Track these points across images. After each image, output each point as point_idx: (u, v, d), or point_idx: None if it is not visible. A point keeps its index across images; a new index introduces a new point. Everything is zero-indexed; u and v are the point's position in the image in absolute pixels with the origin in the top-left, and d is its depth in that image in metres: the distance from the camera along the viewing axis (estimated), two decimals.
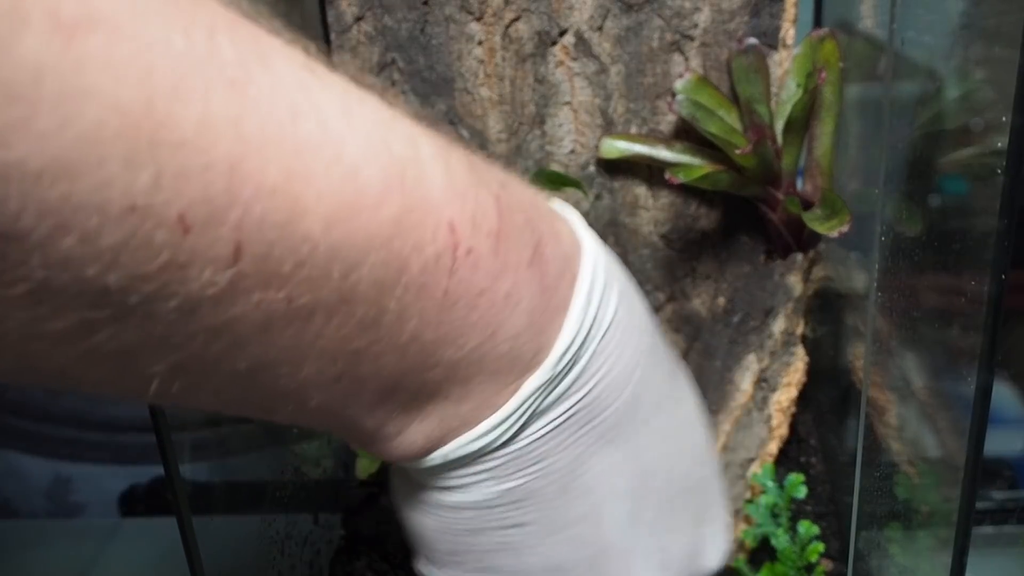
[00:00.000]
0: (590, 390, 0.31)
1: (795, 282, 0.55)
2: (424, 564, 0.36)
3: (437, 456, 0.30)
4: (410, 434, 0.30)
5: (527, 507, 0.32)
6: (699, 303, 0.60)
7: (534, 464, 0.31)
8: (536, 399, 0.30)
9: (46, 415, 0.80)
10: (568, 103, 0.54)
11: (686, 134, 0.54)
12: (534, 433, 0.31)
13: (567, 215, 0.34)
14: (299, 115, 0.23)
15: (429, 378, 0.28)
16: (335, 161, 0.23)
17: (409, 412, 0.29)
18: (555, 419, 0.31)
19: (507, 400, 0.30)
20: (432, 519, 0.33)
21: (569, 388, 0.31)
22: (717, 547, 0.38)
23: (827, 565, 0.52)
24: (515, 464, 0.31)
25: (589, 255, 0.32)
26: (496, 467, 0.31)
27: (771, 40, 0.52)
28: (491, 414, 0.30)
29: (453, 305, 0.27)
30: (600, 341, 0.31)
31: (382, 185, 0.25)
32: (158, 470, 0.37)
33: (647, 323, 0.35)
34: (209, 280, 0.22)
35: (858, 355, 0.53)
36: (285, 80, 0.23)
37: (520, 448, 0.31)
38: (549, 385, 0.30)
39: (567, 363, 0.30)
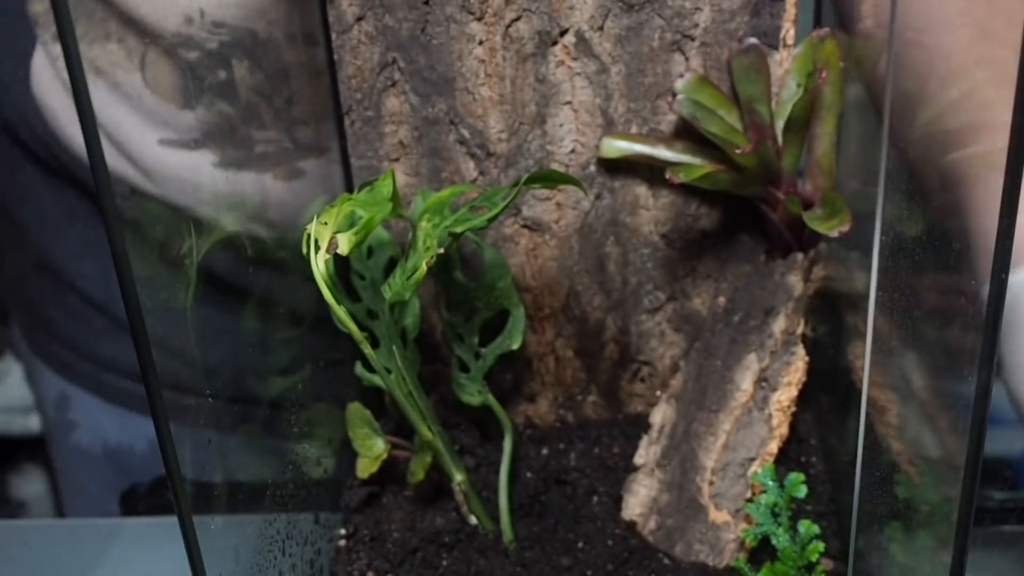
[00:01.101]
0: None
1: (795, 281, 0.55)
2: None
3: None
4: None
5: None
6: (699, 302, 0.60)
7: None
8: None
9: (55, 334, 0.83)
10: (569, 103, 0.54)
11: (686, 134, 0.54)
12: None
13: None
14: None
15: None
16: None
17: None
18: None
19: None
20: None
21: None
22: None
23: (827, 564, 0.52)
24: None
25: None
26: None
27: (771, 40, 0.52)
28: None
29: None
30: None
31: None
32: (143, 422, 0.36)
33: None
34: None
35: (858, 355, 0.53)
36: None
37: None
38: None
39: None
